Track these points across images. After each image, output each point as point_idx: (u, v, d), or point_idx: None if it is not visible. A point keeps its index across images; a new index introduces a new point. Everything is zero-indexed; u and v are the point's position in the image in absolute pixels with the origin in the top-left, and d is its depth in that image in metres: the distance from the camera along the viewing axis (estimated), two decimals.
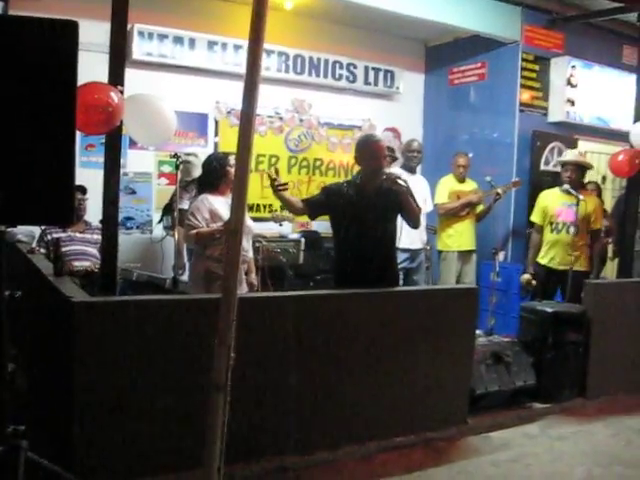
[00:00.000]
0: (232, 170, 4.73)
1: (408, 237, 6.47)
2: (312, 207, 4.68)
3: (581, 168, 6.29)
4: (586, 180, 6.73)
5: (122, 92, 3.89)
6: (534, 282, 6.11)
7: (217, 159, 5.01)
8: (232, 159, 4.87)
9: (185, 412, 3.37)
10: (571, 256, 5.85)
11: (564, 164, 6.37)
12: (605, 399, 5.34)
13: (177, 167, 5.31)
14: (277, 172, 4.51)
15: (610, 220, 7.32)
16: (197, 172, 5.77)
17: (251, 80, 2.00)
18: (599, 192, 7.71)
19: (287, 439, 3.83)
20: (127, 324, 3.33)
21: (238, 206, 2.05)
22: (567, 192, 6.01)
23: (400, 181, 4.41)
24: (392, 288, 4.26)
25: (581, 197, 5.90)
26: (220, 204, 4.82)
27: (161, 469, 3.42)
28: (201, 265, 4.84)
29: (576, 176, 6.19)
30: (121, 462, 3.33)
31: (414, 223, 4.82)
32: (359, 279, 4.40)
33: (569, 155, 6.55)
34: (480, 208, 7.04)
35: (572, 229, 6.01)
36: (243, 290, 4.86)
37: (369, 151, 4.57)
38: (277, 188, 4.37)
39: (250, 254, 5.07)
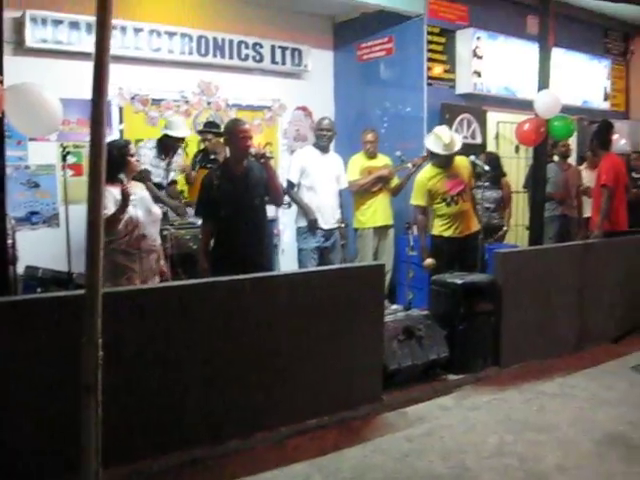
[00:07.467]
0: (133, 159, 4.61)
1: (322, 217, 6.45)
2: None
3: None
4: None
5: (1, 82, 3.72)
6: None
7: (117, 148, 4.70)
8: (133, 147, 4.76)
9: (66, 415, 3.20)
10: (474, 220, 6.19)
11: None
12: (518, 366, 5.42)
13: (64, 158, 5.28)
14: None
15: (507, 188, 7.46)
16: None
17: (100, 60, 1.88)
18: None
19: (197, 431, 3.75)
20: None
21: (95, 197, 1.94)
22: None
23: (267, 154, 5.09)
24: (294, 271, 4.21)
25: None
26: None
27: (45, 474, 3.23)
28: (107, 258, 4.65)
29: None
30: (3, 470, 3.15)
31: (277, 200, 5.40)
32: (241, 261, 4.76)
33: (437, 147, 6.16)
34: (395, 182, 7.00)
35: (464, 195, 6.16)
36: (156, 280, 4.74)
37: (236, 133, 5.04)
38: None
39: (158, 242, 4.91)
